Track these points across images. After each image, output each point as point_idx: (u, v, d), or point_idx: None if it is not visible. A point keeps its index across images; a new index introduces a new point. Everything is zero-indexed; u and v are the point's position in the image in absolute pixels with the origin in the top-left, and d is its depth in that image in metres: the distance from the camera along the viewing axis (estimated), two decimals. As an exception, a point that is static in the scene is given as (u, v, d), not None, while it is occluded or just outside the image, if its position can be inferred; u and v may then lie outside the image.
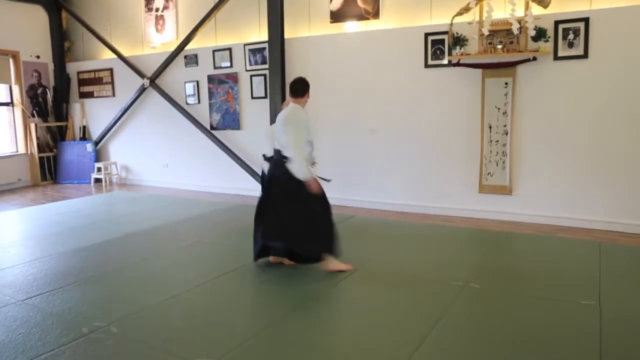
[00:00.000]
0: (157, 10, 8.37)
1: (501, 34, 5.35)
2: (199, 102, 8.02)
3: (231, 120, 7.72)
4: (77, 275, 4.00)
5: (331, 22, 6.63)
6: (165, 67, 8.25)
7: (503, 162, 5.64)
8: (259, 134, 6.88)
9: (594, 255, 4.27)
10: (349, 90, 6.54)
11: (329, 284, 3.72)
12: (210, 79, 7.81)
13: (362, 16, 6.39)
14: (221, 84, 7.72)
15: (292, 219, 3.88)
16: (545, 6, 4.97)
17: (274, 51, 6.86)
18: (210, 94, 7.86)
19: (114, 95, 9.12)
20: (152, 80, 8.42)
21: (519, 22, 4.94)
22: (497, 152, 5.65)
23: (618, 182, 5.11)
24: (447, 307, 3.26)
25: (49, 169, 9.43)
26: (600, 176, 5.18)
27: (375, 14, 6.30)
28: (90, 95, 9.46)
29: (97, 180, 9.12)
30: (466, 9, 5.18)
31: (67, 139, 9.58)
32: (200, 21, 7.71)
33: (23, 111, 9.04)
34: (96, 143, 9.37)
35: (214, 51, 7.68)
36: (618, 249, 4.51)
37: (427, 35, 5.89)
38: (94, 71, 9.31)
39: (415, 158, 6.17)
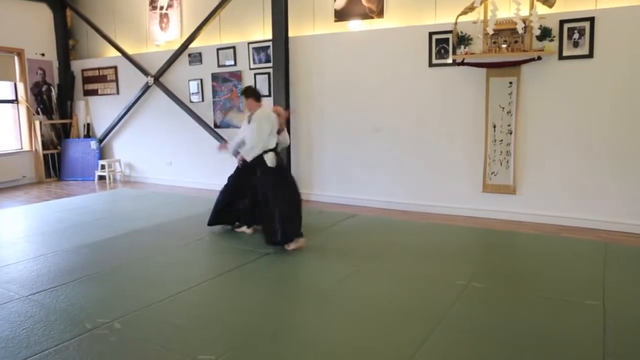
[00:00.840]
0: (161, 8, 8.38)
1: (506, 33, 5.33)
2: (202, 100, 8.03)
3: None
4: (80, 271, 4.02)
5: (335, 21, 6.62)
6: (170, 65, 8.26)
7: (507, 162, 5.62)
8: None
9: (598, 256, 4.25)
10: (353, 89, 6.53)
11: (330, 283, 3.72)
12: (214, 77, 7.82)
13: (366, 15, 6.38)
14: (225, 82, 7.72)
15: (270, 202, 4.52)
16: (551, 5, 4.96)
17: (278, 50, 6.86)
18: (214, 92, 7.87)
19: (118, 93, 9.14)
20: (156, 78, 8.43)
21: (524, 21, 4.92)
22: (501, 152, 5.63)
23: (623, 182, 5.09)
24: (449, 306, 3.26)
25: (53, 166, 9.46)
26: (606, 176, 5.16)
27: (380, 13, 6.28)
28: (94, 93, 9.49)
29: (101, 178, 9.15)
30: (471, 8, 5.17)
31: (72, 136, 9.61)
32: (205, 19, 7.72)
33: (28, 108, 9.08)
34: (100, 140, 9.40)
35: (218, 49, 7.68)
36: (623, 250, 4.49)
37: (431, 34, 5.88)
38: (98, 69, 9.33)
39: (418, 157, 6.16)
